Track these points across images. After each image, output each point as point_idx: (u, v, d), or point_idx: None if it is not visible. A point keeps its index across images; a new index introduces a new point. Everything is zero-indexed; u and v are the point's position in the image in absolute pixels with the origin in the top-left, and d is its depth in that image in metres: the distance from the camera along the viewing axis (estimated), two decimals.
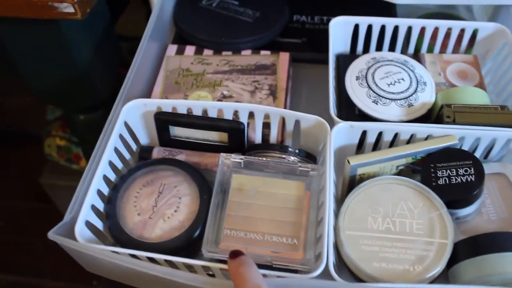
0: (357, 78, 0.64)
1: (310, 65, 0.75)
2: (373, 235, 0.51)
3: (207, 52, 0.73)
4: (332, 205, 0.52)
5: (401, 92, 0.62)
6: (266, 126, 0.61)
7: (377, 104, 0.61)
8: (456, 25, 0.69)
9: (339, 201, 0.59)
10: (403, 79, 0.63)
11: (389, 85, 0.62)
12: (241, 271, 0.43)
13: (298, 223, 0.53)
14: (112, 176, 0.58)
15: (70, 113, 0.86)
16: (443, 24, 0.69)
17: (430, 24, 0.69)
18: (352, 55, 0.72)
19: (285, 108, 0.66)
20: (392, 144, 0.60)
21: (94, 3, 0.63)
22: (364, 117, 0.62)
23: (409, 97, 0.62)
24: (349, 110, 0.64)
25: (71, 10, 0.60)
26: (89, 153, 0.57)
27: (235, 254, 0.45)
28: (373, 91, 0.62)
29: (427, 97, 0.62)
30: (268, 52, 0.72)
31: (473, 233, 0.54)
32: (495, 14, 0.79)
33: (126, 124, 0.60)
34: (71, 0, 0.59)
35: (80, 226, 0.51)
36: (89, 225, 0.52)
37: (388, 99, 0.61)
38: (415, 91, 0.62)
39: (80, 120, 0.84)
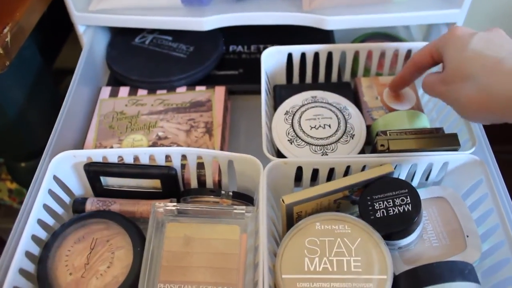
0: (286, 112, 0.62)
1: (249, 96, 0.74)
2: (310, 277, 0.49)
3: (142, 92, 0.71)
4: (266, 249, 0.50)
5: (321, 139, 0.60)
6: (203, 165, 0.59)
7: (291, 143, 0.60)
8: (389, 47, 0.69)
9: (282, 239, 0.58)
10: (329, 126, 0.61)
11: (312, 128, 0.61)
12: None
13: (235, 269, 0.52)
14: (43, 234, 0.55)
15: (10, 161, 0.83)
16: (376, 47, 0.69)
17: (364, 47, 0.69)
18: (289, 85, 0.71)
19: (222, 144, 0.65)
20: (330, 175, 0.59)
21: (13, 55, 0.60)
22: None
23: (327, 145, 0.60)
24: None
25: None
26: None
27: None
28: (293, 130, 0.61)
29: (346, 150, 0.60)
30: (203, 88, 0.70)
31: (416, 261, 0.54)
32: (429, 31, 0.79)
33: (56, 178, 0.58)
34: None
35: None
36: None
37: (304, 141, 0.60)
38: (337, 141, 0.60)
39: (21, 168, 0.81)
